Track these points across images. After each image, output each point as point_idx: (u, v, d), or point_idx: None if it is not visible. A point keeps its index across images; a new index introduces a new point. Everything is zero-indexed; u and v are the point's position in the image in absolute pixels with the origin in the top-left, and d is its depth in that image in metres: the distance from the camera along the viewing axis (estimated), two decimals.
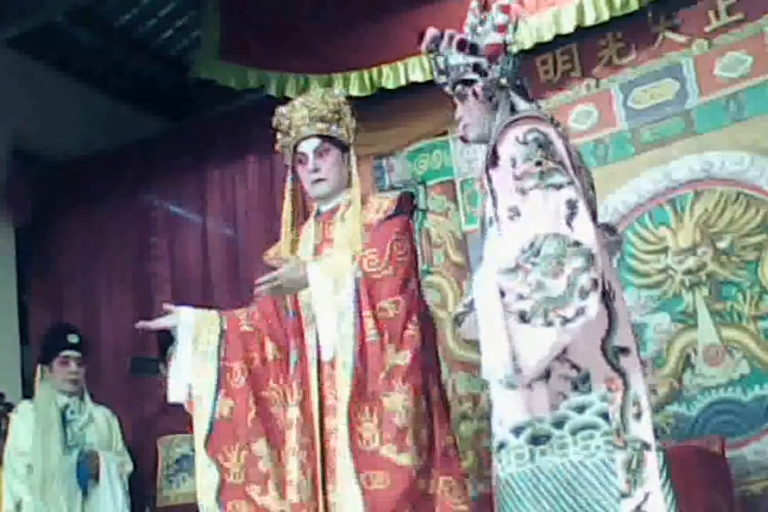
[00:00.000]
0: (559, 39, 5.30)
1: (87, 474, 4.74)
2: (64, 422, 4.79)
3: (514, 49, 2.95)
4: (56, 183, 6.53)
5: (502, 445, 2.66)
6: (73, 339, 5.01)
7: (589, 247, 2.49)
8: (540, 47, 5.32)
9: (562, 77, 5.44)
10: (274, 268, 3.35)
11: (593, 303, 2.46)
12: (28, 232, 6.51)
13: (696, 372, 4.91)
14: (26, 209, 6.40)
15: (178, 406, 5.13)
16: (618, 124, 5.30)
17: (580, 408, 2.57)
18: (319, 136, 3.46)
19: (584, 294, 2.46)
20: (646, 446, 2.54)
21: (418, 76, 5.45)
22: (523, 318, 2.49)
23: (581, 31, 5.25)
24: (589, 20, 5.16)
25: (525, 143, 2.67)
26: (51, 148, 6.54)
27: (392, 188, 5.86)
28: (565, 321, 2.46)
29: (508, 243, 2.61)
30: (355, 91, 5.52)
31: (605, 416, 2.56)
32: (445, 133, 5.72)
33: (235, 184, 6.23)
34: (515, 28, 2.93)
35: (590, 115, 5.36)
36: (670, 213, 5.11)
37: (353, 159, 3.53)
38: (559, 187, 2.58)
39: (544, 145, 2.66)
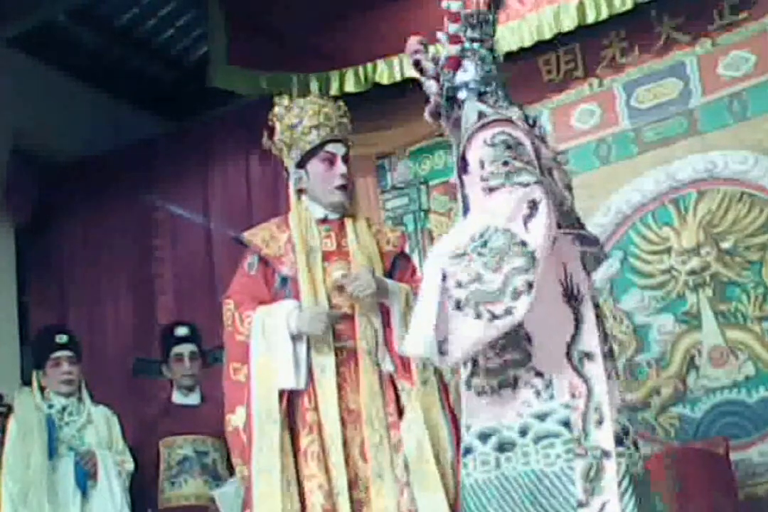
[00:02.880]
0: (562, 38, 5.28)
1: (84, 474, 4.72)
2: (52, 427, 4.77)
3: (483, 51, 2.87)
4: (56, 183, 6.52)
5: (468, 450, 2.65)
6: (61, 339, 4.96)
7: (533, 250, 2.48)
8: (543, 46, 5.31)
9: (565, 76, 5.43)
10: (265, 259, 3.42)
11: (522, 306, 2.46)
12: (28, 233, 6.50)
13: (700, 374, 4.90)
14: (26, 209, 6.39)
15: (180, 408, 5.16)
16: (621, 123, 5.29)
17: (542, 416, 2.55)
18: (344, 143, 3.51)
19: (516, 294, 2.46)
20: (605, 454, 2.50)
21: (413, 72, 5.39)
22: (458, 305, 2.50)
23: (584, 30, 5.23)
24: (590, 18, 5.13)
25: (493, 145, 2.65)
26: (51, 148, 6.53)
27: (394, 188, 5.85)
28: (493, 317, 2.47)
29: (462, 229, 2.62)
30: (350, 87, 5.50)
31: (567, 424, 2.53)
32: (441, 135, 5.69)
33: (238, 184, 6.21)
34: (481, 30, 2.87)
35: (593, 114, 5.35)
36: (674, 213, 5.10)
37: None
38: (525, 185, 2.56)
39: (512, 146, 2.64)
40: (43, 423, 4.74)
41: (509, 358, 2.59)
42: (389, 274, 3.45)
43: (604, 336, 2.65)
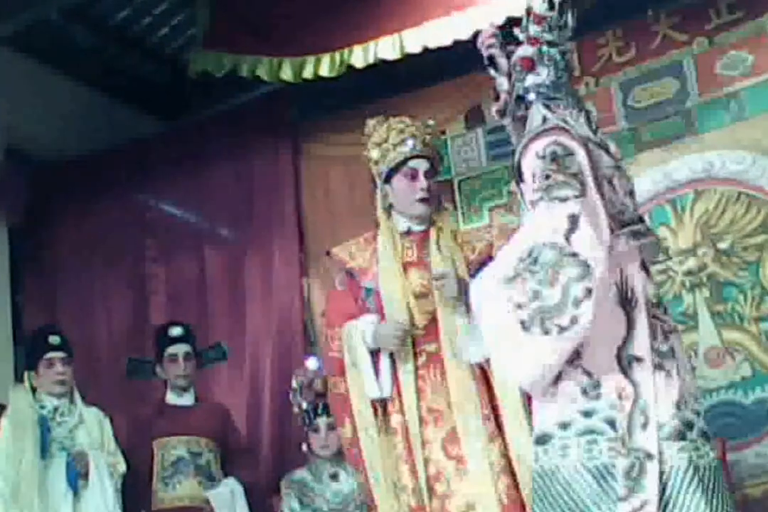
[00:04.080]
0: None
1: (76, 474, 4.70)
2: (45, 427, 4.75)
3: (557, 56, 2.86)
4: (50, 183, 6.48)
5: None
6: (54, 340, 4.96)
7: (585, 258, 2.50)
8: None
9: None
10: (350, 272, 3.64)
11: (586, 312, 2.48)
12: (22, 232, 6.46)
13: (697, 375, 4.87)
14: (19, 209, 6.35)
15: (174, 408, 5.14)
16: (618, 123, 5.28)
17: (588, 413, 2.57)
18: (428, 159, 3.67)
19: (577, 302, 2.48)
20: (648, 456, 2.51)
21: (388, 54, 5.36)
22: (524, 326, 2.52)
23: (580, 28, 5.21)
24: None
25: (543, 157, 2.67)
26: (45, 147, 6.50)
27: None
28: (561, 329, 2.49)
29: (510, 250, 2.64)
30: (324, 71, 5.45)
31: (612, 423, 2.55)
32: (443, 133, 5.67)
33: (231, 184, 6.19)
34: (559, 33, 2.86)
35: None
36: (671, 213, 5.09)
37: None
38: (564, 199, 2.58)
39: (560, 157, 2.65)
40: (36, 421, 4.73)
41: None
42: None
43: (663, 335, 2.64)
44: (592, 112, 2.88)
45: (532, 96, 2.84)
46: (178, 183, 6.32)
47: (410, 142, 3.64)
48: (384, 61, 5.32)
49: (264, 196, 6.06)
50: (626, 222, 2.73)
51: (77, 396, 4.97)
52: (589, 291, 2.48)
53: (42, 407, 4.82)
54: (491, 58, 2.90)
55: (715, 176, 4.99)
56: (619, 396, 2.56)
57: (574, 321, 2.48)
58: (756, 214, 4.89)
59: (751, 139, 4.92)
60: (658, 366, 2.59)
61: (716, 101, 5.03)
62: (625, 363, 2.58)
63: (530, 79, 2.84)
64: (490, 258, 3.62)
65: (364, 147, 3.75)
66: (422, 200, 3.62)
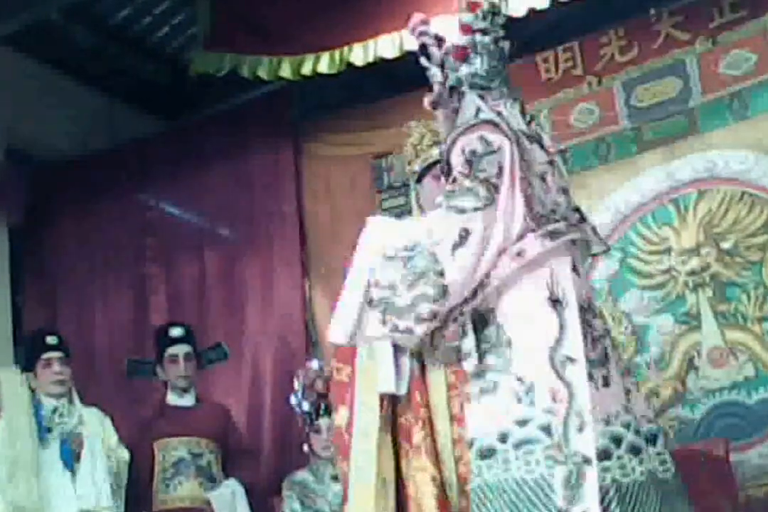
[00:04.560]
0: (561, 36, 5.26)
1: (70, 451, 4.70)
2: (40, 410, 4.76)
3: (491, 44, 2.83)
4: (50, 183, 6.48)
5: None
6: (51, 340, 4.96)
7: (447, 283, 2.54)
8: (541, 44, 5.28)
9: (563, 75, 5.40)
10: None
11: (421, 331, 2.58)
12: (22, 233, 6.46)
13: (700, 375, 4.87)
14: (20, 209, 6.35)
15: (175, 409, 5.12)
16: (620, 122, 5.26)
17: (523, 422, 2.54)
18: None
19: (418, 320, 2.56)
20: (586, 460, 2.47)
21: (388, 53, 5.34)
22: (369, 303, 2.63)
23: (583, 28, 5.21)
24: None
25: (462, 154, 2.67)
26: (45, 147, 6.49)
27: (390, 188, 5.82)
28: (395, 330, 2.59)
29: (407, 233, 2.71)
30: (324, 69, 5.44)
31: (547, 430, 2.51)
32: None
33: (231, 184, 6.18)
34: (491, 21, 2.83)
35: (592, 113, 5.32)
36: (674, 213, 5.08)
37: None
38: (462, 211, 2.59)
39: (478, 157, 2.64)
40: (29, 403, 4.72)
41: (490, 363, 2.60)
42: None
43: (593, 343, 2.61)
44: (524, 102, 2.84)
45: (465, 86, 2.79)
46: (178, 183, 6.31)
47: (444, 145, 3.62)
48: (384, 61, 5.31)
49: (264, 195, 6.04)
50: (554, 221, 2.69)
51: (76, 396, 4.96)
52: (434, 315, 2.54)
53: (41, 408, 4.82)
54: (423, 48, 2.85)
55: (718, 176, 4.98)
56: (553, 399, 2.52)
57: (408, 331, 2.57)
58: (759, 214, 4.88)
59: (754, 138, 4.90)
60: (588, 376, 2.55)
61: (719, 100, 5.01)
62: (557, 364, 2.55)
63: (464, 69, 2.80)
64: None
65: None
66: None
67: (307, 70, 5.45)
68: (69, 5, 6.08)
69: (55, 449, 4.71)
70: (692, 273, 4.96)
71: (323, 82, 5.62)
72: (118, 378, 5.72)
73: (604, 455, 2.49)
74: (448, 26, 4.94)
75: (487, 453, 2.56)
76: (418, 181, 3.60)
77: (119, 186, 6.38)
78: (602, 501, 2.45)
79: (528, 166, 2.68)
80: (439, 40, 2.85)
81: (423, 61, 2.85)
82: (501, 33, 2.84)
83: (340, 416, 3.45)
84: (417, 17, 2.89)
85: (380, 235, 2.84)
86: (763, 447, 4.67)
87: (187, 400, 5.13)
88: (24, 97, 6.20)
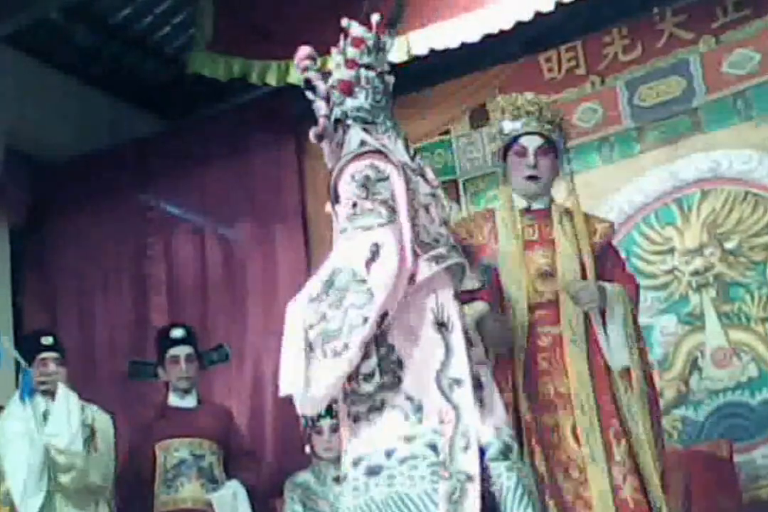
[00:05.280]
0: (564, 36, 5.24)
1: (29, 384, 4.77)
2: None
3: (376, 79, 2.86)
4: (51, 182, 6.47)
5: (343, 478, 2.69)
6: (47, 341, 4.96)
7: (370, 287, 2.55)
8: (544, 44, 5.27)
9: (566, 74, 5.41)
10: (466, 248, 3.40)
11: (356, 340, 2.54)
12: (23, 233, 6.45)
13: (703, 375, 4.88)
14: (20, 209, 6.34)
15: (176, 411, 5.11)
16: (623, 122, 5.26)
17: (410, 439, 2.58)
18: (542, 135, 3.55)
19: (351, 329, 2.54)
20: (469, 478, 2.52)
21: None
22: (311, 347, 2.58)
23: (586, 27, 5.21)
24: None
25: (354, 181, 2.69)
26: (45, 146, 6.48)
27: None
28: (335, 354, 2.55)
29: (319, 273, 2.69)
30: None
31: (434, 447, 2.56)
32: (447, 132, 5.68)
33: (232, 184, 6.16)
34: (376, 56, 2.87)
35: (595, 112, 5.32)
36: (677, 212, 5.08)
37: (569, 167, 3.66)
38: (368, 228, 2.61)
39: (370, 182, 2.67)
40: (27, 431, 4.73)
41: (380, 382, 2.62)
42: (601, 266, 3.49)
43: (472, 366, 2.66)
44: (407, 136, 2.88)
45: (350, 120, 2.82)
46: (178, 182, 6.30)
47: (523, 119, 3.55)
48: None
49: (266, 194, 6.03)
50: (449, 250, 2.75)
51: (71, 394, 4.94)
52: (365, 320, 2.53)
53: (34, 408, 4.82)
54: (308, 81, 2.87)
55: (721, 175, 4.98)
56: (441, 421, 2.57)
57: (346, 346, 2.53)
58: (763, 214, 4.89)
59: (758, 138, 4.92)
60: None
61: (723, 100, 5.02)
62: (444, 386, 2.60)
63: (348, 103, 2.83)
64: (609, 243, 3.62)
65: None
66: (530, 178, 3.50)
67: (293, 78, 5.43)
68: (69, 5, 6.07)
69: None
70: (696, 273, 4.96)
71: None
72: (118, 379, 5.71)
73: (503, 456, 2.58)
74: (453, 30, 4.96)
75: (376, 470, 2.59)
76: (504, 158, 3.58)
77: (119, 186, 6.36)
78: (510, 501, 2.54)
79: (414, 195, 2.74)
80: (324, 74, 2.88)
81: (308, 94, 2.87)
82: (386, 68, 2.89)
83: None
84: (303, 51, 2.90)
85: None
86: (766, 447, 4.67)
87: (189, 401, 5.11)
88: (24, 97, 6.19)
